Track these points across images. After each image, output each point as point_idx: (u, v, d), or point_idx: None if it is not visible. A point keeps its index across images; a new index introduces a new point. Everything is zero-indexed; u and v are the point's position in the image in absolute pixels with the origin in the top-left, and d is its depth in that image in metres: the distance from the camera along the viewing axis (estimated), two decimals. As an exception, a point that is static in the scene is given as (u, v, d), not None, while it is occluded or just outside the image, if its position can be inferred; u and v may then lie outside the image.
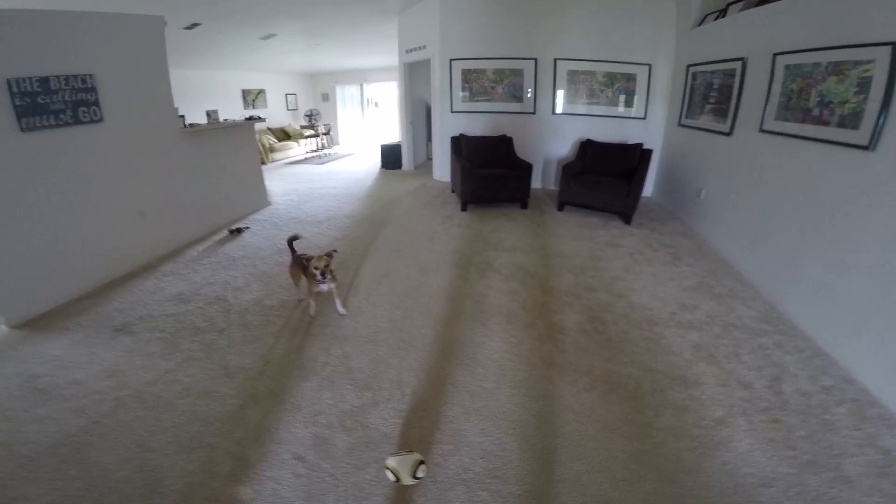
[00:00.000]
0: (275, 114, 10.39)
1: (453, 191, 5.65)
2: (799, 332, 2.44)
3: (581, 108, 5.47)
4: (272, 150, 9.04)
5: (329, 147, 10.50)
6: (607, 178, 4.52)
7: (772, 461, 1.61)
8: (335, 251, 2.69)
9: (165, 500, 1.54)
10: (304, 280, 2.78)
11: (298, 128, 10.62)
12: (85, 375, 2.25)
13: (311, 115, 10.64)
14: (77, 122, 3.09)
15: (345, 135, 11.97)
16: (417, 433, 1.78)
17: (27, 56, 2.79)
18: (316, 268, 2.48)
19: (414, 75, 6.95)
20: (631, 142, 4.91)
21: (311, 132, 10.24)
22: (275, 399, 2.01)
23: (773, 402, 1.90)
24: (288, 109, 11.06)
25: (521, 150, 5.46)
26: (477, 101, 5.78)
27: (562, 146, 5.64)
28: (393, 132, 11.05)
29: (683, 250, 3.61)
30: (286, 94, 10.97)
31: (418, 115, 7.67)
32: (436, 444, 1.72)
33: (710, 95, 3.88)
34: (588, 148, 4.97)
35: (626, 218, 4.29)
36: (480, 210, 4.84)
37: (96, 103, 3.20)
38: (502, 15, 5.32)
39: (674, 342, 2.36)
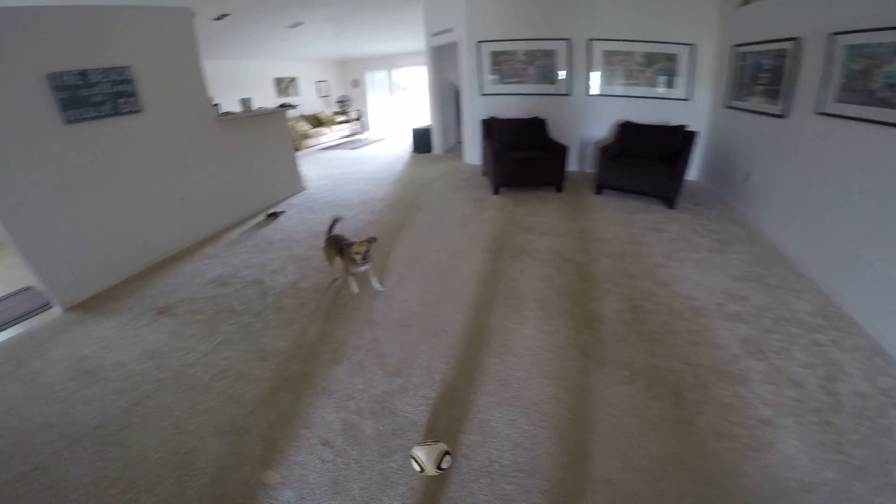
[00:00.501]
0: (307, 101, 10.46)
1: (485, 174, 5.50)
2: (858, 329, 2.20)
3: (618, 90, 5.18)
4: (306, 136, 9.13)
5: (361, 132, 10.51)
6: (648, 160, 4.26)
7: (818, 465, 1.48)
8: (375, 239, 2.69)
9: (196, 482, 1.57)
10: (337, 260, 2.83)
11: (331, 114, 10.66)
12: (129, 357, 2.35)
13: (342, 102, 10.67)
14: (117, 112, 3.19)
15: (375, 120, 11.94)
16: (445, 421, 1.73)
17: (66, 50, 2.87)
18: (357, 252, 2.51)
19: (442, 59, 6.80)
20: (673, 123, 4.62)
21: (343, 118, 10.26)
22: (307, 383, 2.02)
23: (826, 403, 1.74)
24: (319, 96, 11.11)
25: (556, 133, 5.24)
26: (507, 83, 5.58)
27: (598, 128, 5.38)
28: (423, 116, 10.92)
29: (731, 236, 3.36)
30: (317, 82, 11.01)
31: (447, 98, 7.52)
32: (463, 434, 1.67)
33: (760, 76, 3.60)
34: (627, 130, 4.71)
35: (670, 202, 4.04)
36: (514, 193, 4.69)
37: (134, 94, 3.29)
38: None
39: (720, 335, 2.19)
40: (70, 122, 2.89)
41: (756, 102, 3.67)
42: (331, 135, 9.98)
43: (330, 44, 8.78)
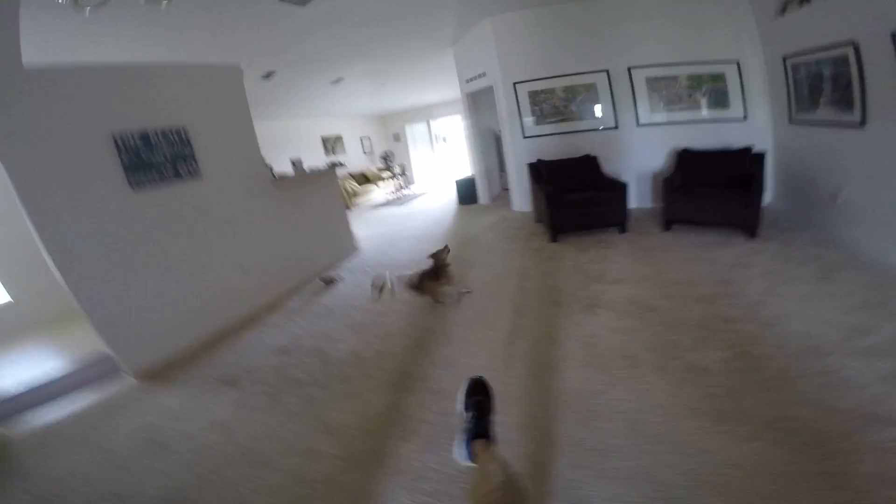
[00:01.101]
0: (353, 158, 11.15)
1: (538, 221, 5.49)
2: None
3: (668, 116, 5.16)
4: (355, 194, 9.62)
5: (406, 187, 10.94)
6: (716, 187, 4.12)
7: None
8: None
9: None
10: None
11: (376, 170, 11.23)
12: (196, 428, 2.47)
13: (386, 157, 11.25)
14: (178, 176, 3.44)
15: (419, 173, 12.45)
16: (533, 499, 1.60)
17: (127, 110, 3.15)
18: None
19: (478, 104, 7.06)
20: (734, 145, 4.51)
21: (388, 174, 10.76)
22: (376, 461, 1.99)
23: None
24: (364, 153, 11.79)
25: (609, 169, 5.22)
26: (550, 122, 5.68)
27: (654, 159, 5.30)
28: (464, 166, 11.28)
29: (832, 263, 3.11)
30: (361, 138, 11.73)
31: (488, 145, 7.74)
32: None
33: (822, 87, 3.49)
34: (686, 157, 4.63)
35: (750, 231, 3.82)
36: (573, 239, 4.62)
37: (193, 157, 3.54)
38: (560, 29, 5.26)
39: (855, 374, 1.97)
40: (135, 186, 3.15)
41: (826, 113, 3.54)
42: (379, 191, 10.48)
43: (370, 99, 9.49)
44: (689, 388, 2.07)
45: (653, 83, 5.09)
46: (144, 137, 3.22)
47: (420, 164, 12.57)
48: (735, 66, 4.67)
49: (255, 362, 3.13)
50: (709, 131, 4.91)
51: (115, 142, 3.05)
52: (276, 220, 4.45)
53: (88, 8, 2.24)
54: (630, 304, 2.99)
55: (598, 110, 5.41)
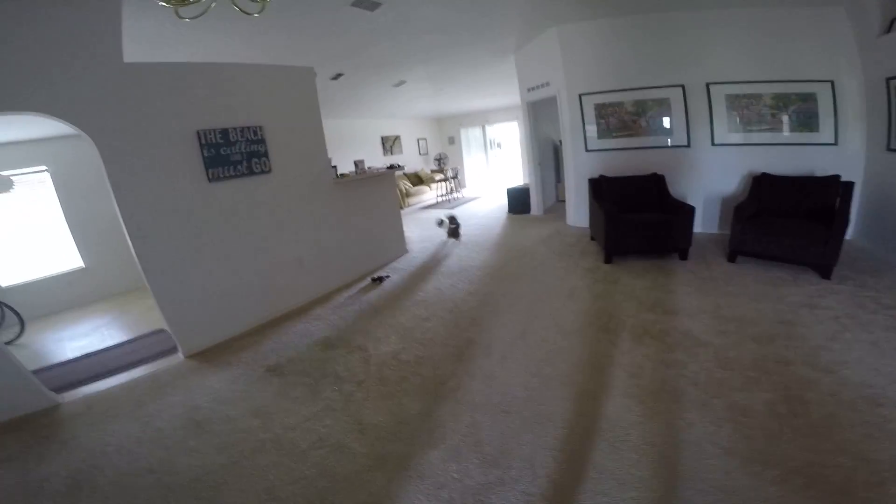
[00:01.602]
0: (409, 159, 11.70)
1: (593, 238, 5.54)
2: None
3: (748, 137, 5.02)
4: (408, 195, 10.02)
5: (457, 191, 11.19)
6: (793, 219, 4.00)
7: None
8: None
9: None
10: None
11: (429, 172, 11.59)
12: (236, 412, 2.70)
13: (439, 160, 11.57)
14: (251, 172, 3.85)
15: (470, 177, 12.68)
16: None
17: (210, 108, 3.57)
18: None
19: (538, 114, 7.17)
20: (819, 173, 4.35)
21: (441, 176, 11.08)
22: (401, 464, 2.13)
23: None
24: (419, 154, 12.24)
25: (676, 190, 5.20)
26: (615, 137, 5.70)
27: (727, 182, 5.19)
28: (516, 174, 11.39)
29: None
30: (417, 139, 12.20)
31: (546, 155, 7.84)
32: None
33: None
34: (764, 183, 4.50)
35: (825, 270, 3.70)
36: (629, 262, 4.64)
37: (266, 154, 3.95)
38: (632, 41, 5.26)
39: None
40: (212, 179, 3.57)
41: None
42: (430, 193, 10.83)
43: (429, 101, 9.93)
44: (728, 428, 2.12)
45: (733, 100, 4.99)
46: (224, 134, 3.64)
47: (472, 169, 12.81)
48: (829, 86, 4.50)
49: (299, 353, 3.40)
50: (792, 155, 4.76)
51: (199, 137, 3.49)
52: (335, 217, 4.82)
53: (187, 19, 2.61)
54: (682, 337, 3.02)
55: (669, 126, 5.37)
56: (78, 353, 3.86)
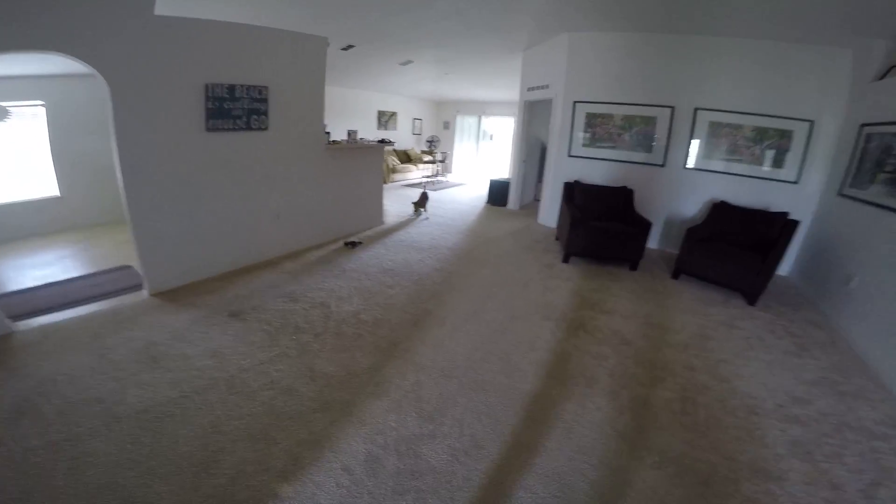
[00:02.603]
0: (402, 136, 11.74)
1: (557, 239, 5.83)
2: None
3: (719, 165, 5.28)
4: (394, 170, 10.13)
5: (442, 174, 11.33)
6: (737, 248, 4.32)
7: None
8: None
9: (213, 481, 1.82)
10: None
11: (419, 152, 11.68)
12: (194, 351, 2.78)
13: (431, 142, 11.66)
14: (248, 128, 3.98)
15: (458, 164, 12.83)
16: (464, 473, 1.96)
17: (220, 64, 3.67)
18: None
19: (533, 113, 7.34)
20: (774, 208, 4.65)
21: (430, 158, 11.18)
22: (345, 410, 2.32)
23: None
24: (413, 133, 12.29)
25: (642, 205, 5.49)
26: (599, 146, 5.91)
27: (690, 205, 5.51)
28: (502, 167, 11.59)
29: (812, 341, 3.42)
30: (413, 119, 12.22)
31: (532, 154, 8.04)
32: (477, 490, 1.88)
33: (888, 163, 3.51)
34: (721, 211, 4.82)
35: (752, 298, 4.08)
36: (584, 265, 4.95)
37: (266, 113, 4.08)
38: (638, 57, 5.39)
39: (769, 434, 2.33)
40: (210, 130, 3.69)
41: (876, 193, 3.58)
42: (416, 172, 10.94)
43: (432, 84, 9.99)
44: (627, 416, 2.42)
45: (715, 128, 5.18)
46: (231, 90, 3.77)
47: (462, 156, 12.95)
48: (807, 126, 4.69)
49: (263, 302, 3.52)
50: (755, 188, 5.03)
51: (207, 89, 3.60)
52: (319, 180, 4.98)
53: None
54: (611, 335, 3.35)
55: (651, 145, 5.56)
56: (38, 282, 3.74)
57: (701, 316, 3.74)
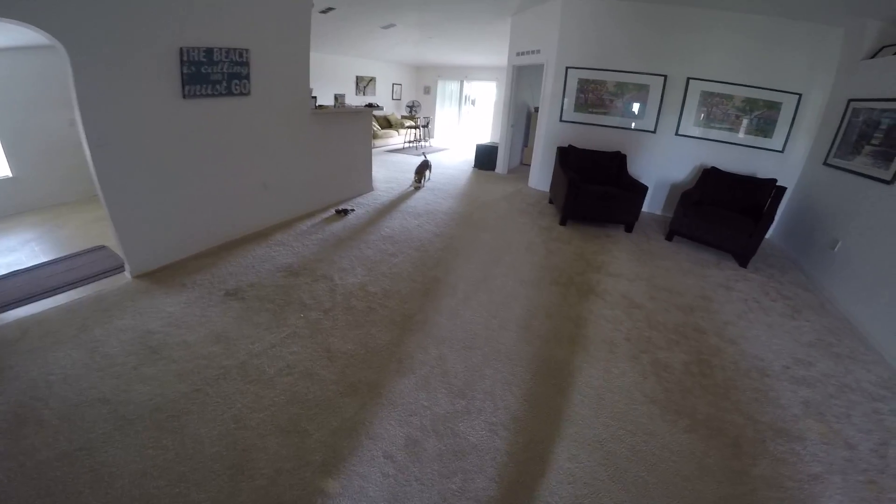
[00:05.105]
0: (381, 102, 11.15)
1: (551, 202, 5.74)
2: (921, 403, 2.34)
3: (709, 133, 5.28)
4: (375, 136, 9.67)
5: (425, 139, 10.94)
6: (728, 211, 4.34)
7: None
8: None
9: (252, 483, 1.63)
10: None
11: (400, 118, 11.19)
12: (194, 337, 2.47)
13: (412, 107, 11.20)
14: (230, 93, 3.57)
15: (440, 129, 12.40)
16: (506, 448, 1.88)
17: (196, 26, 3.21)
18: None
19: (521, 78, 7.10)
20: (760, 175, 4.72)
21: (411, 123, 10.74)
22: (372, 392, 2.15)
23: (874, 465, 1.94)
24: (392, 99, 11.72)
25: (633, 170, 5.43)
26: (591, 112, 5.77)
27: (679, 170, 5.50)
28: (485, 132, 11.29)
29: (803, 304, 3.48)
30: (393, 84, 11.64)
31: (519, 119, 7.84)
32: (523, 463, 1.82)
33: (873, 136, 3.60)
34: (711, 177, 4.82)
35: (743, 260, 4.12)
36: (582, 227, 4.88)
37: (247, 77, 3.66)
38: (632, 26, 5.24)
39: (783, 395, 2.36)
40: (187, 97, 3.25)
41: (861, 163, 3.69)
42: (398, 138, 10.55)
43: (413, 48, 9.45)
44: (652, 380, 2.40)
45: (706, 97, 5.15)
46: (209, 53, 3.31)
47: (444, 121, 12.49)
48: (795, 99, 4.74)
49: (261, 278, 3.22)
50: (743, 156, 5.07)
51: (181, 53, 3.14)
52: (306, 147, 4.62)
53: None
54: (620, 298, 3.31)
55: (641, 111, 5.49)
56: (4, 271, 3.21)
57: (699, 278, 3.75)
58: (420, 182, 6.50)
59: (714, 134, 5.22)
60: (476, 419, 2.03)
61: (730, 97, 5.03)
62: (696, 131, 5.30)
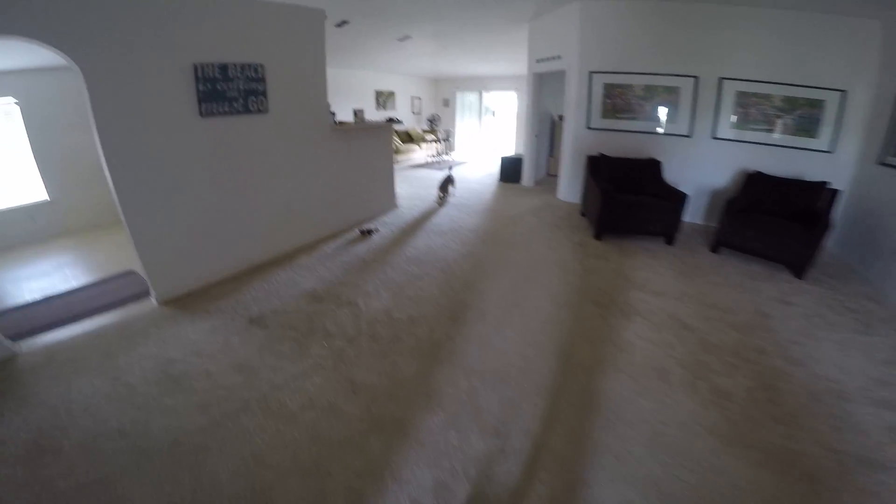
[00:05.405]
0: (401, 116, 11.22)
1: (583, 214, 5.51)
2: None
3: (748, 135, 4.96)
4: (397, 151, 9.66)
5: (447, 153, 10.87)
6: (778, 218, 4.03)
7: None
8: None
9: None
10: None
11: (421, 131, 11.18)
12: (216, 367, 2.44)
13: (432, 120, 11.18)
14: (247, 111, 3.52)
15: (461, 142, 12.33)
16: (549, 492, 1.69)
17: (209, 42, 3.19)
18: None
19: (543, 86, 6.95)
20: (808, 178, 4.38)
21: (432, 137, 10.70)
22: (398, 430, 2.01)
23: None
24: (413, 112, 11.76)
25: (669, 177, 5.15)
26: (619, 118, 5.55)
27: (719, 175, 5.19)
28: (508, 143, 11.17)
29: (873, 317, 3.14)
30: (412, 97, 11.68)
31: (543, 128, 7.67)
32: None
33: None
34: (756, 181, 4.49)
35: (798, 270, 3.79)
36: (617, 241, 4.63)
37: (264, 94, 3.61)
38: (657, 26, 5.04)
39: (865, 421, 2.11)
40: (204, 115, 3.22)
41: None
42: (420, 152, 10.51)
43: (430, 60, 9.45)
44: (712, 410, 2.17)
45: (742, 97, 4.88)
46: (223, 69, 3.28)
47: (464, 133, 12.44)
48: (839, 96, 4.44)
49: (284, 304, 3.15)
50: (787, 158, 4.75)
51: (196, 70, 3.11)
52: (328, 165, 4.54)
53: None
54: (668, 319, 3.05)
55: (674, 115, 5.24)
56: (38, 296, 3.33)
57: (753, 292, 3.45)
58: (444, 198, 6.39)
59: (754, 136, 4.91)
60: (512, 461, 1.85)
61: (768, 96, 4.74)
62: (734, 133, 5.00)
